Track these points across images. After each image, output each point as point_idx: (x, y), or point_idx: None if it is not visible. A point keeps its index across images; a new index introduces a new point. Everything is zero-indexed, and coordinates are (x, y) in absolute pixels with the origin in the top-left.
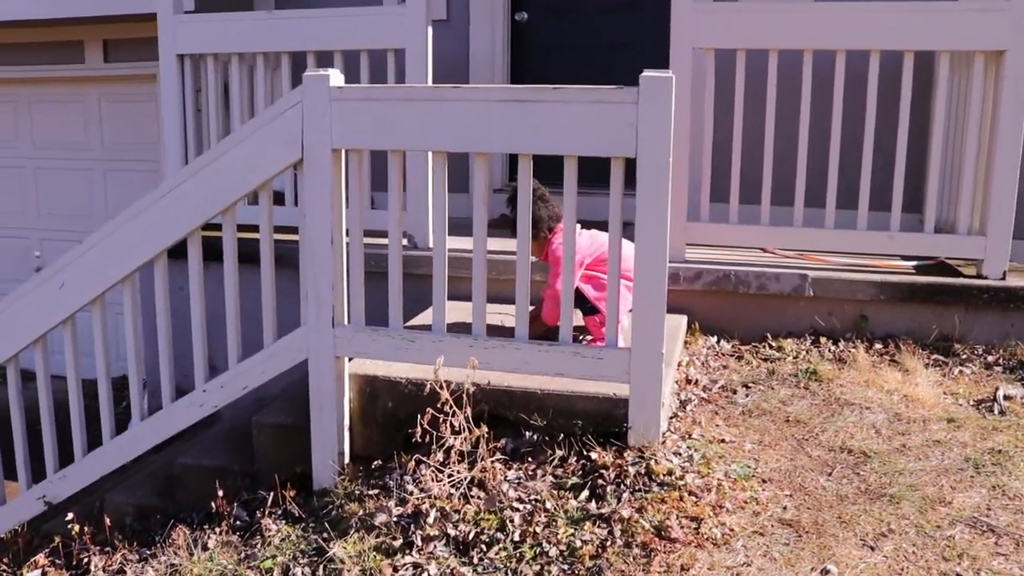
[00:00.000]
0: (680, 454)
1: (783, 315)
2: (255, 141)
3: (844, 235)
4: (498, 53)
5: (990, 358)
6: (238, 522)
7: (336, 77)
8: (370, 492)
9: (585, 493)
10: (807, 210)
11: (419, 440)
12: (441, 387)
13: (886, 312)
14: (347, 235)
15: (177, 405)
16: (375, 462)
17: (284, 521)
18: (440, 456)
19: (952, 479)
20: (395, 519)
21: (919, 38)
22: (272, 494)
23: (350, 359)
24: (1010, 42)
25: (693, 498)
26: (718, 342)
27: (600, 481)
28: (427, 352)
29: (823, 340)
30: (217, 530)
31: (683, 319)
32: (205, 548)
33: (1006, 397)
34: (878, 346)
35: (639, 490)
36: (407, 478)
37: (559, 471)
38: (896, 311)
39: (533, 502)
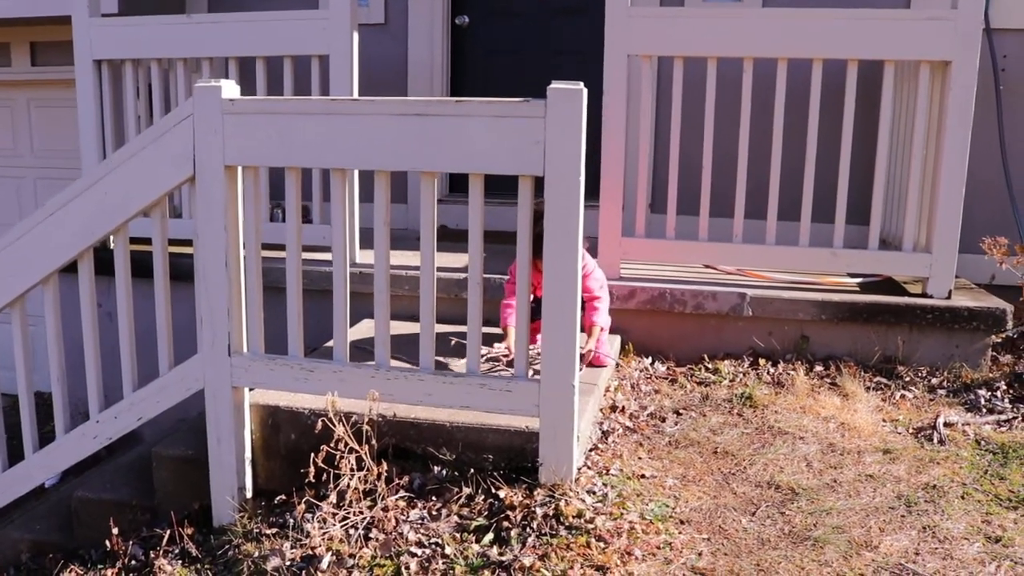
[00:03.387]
0: (595, 492)
1: (721, 335)
2: (145, 157)
3: (785, 252)
4: (437, 58)
5: (934, 380)
6: (134, 561)
7: (229, 88)
8: (269, 531)
9: (489, 536)
10: (751, 223)
11: (312, 480)
12: (340, 420)
13: (828, 332)
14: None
15: (69, 437)
16: (279, 497)
17: (180, 561)
18: (335, 497)
19: (882, 519)
20: (288, 563)
21: (863, 47)
22: (169, 532)
23: (251, 389)
24: (956, 52)
25: (601, 544)
26: (652, 364)
27: (506, 523)
28: (326, 383)
29: (762, 362)
30: (111, 571)
31: (617, 340)
32: None
33: (946, 424)
34: (818, 368)
35: (545, 534)
36: (308, 516)
37: (465, 511)
38: (838, 331)
39: (433, 546)
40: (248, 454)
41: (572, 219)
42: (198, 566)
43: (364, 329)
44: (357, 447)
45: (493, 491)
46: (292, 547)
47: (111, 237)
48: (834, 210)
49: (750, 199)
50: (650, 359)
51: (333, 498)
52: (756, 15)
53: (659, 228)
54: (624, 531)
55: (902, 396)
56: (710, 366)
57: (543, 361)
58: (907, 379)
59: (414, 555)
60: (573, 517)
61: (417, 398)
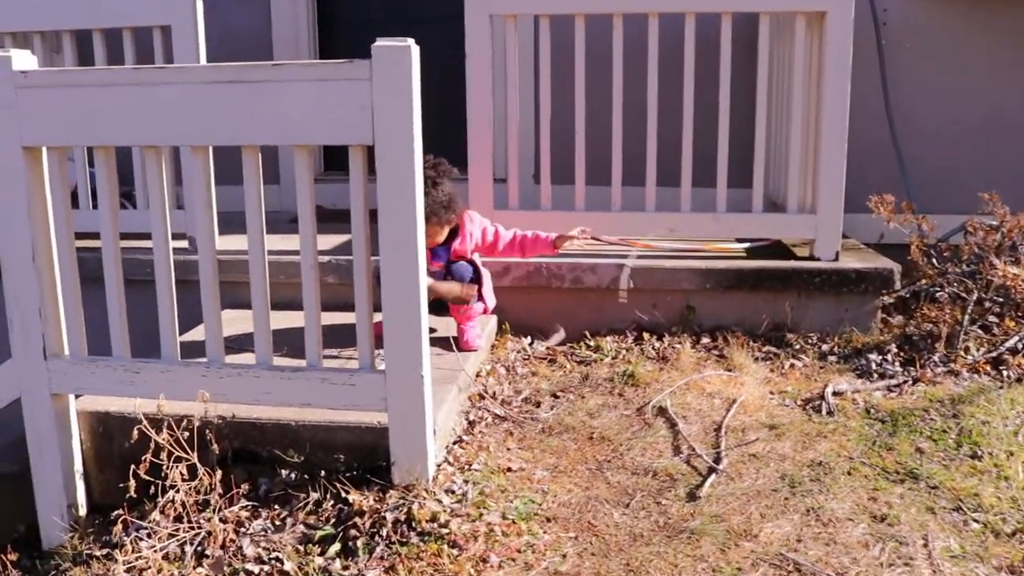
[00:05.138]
0: (454, 492)
1: (603, 310)
2: None
3: (666, 218)
4: (302, 29)
5: (824, 347)
6: None
7: (22, 59)
8: (100, 552)
9: (335, 547)
10: (633, 191)
11: (147, 493)
12: (168, 426)
13: (714, 302)
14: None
15: None
16: (114, 513)
17: None
18: (157, 513)
19: (764, 504)
20: None
21: None
22: None
23: (78, 396)
24: (831, 2)
25: (455, 551)
26: (531, 344)
27: (353, 532)
28: (154, 384)
29: (647, 336)
30: None
31: (494, 320)
32: None
33: (835, 394)
34: (705, 340)
35: (395, 543)
36: (143, 533)
37: (312, 519)
38: (724, 300)
39: (273, 561)
40: (79, 466)
41: (407, 192)
42: None
43: (227, 319)
44: (186, 454)
45: (343, 495)
46: (125, 570)
47: None
48: (716, 173)
49: (629, 165)
50: (529, 339)
51: (156, 515)
52: None
53: (533, 200)
54: (481, 534)
55: (791, 365)
56: (592, 343)
57: (386, 350)
58: (797, 347)
59: (251, 573)
60: (427, 522)
61: (254, 397)
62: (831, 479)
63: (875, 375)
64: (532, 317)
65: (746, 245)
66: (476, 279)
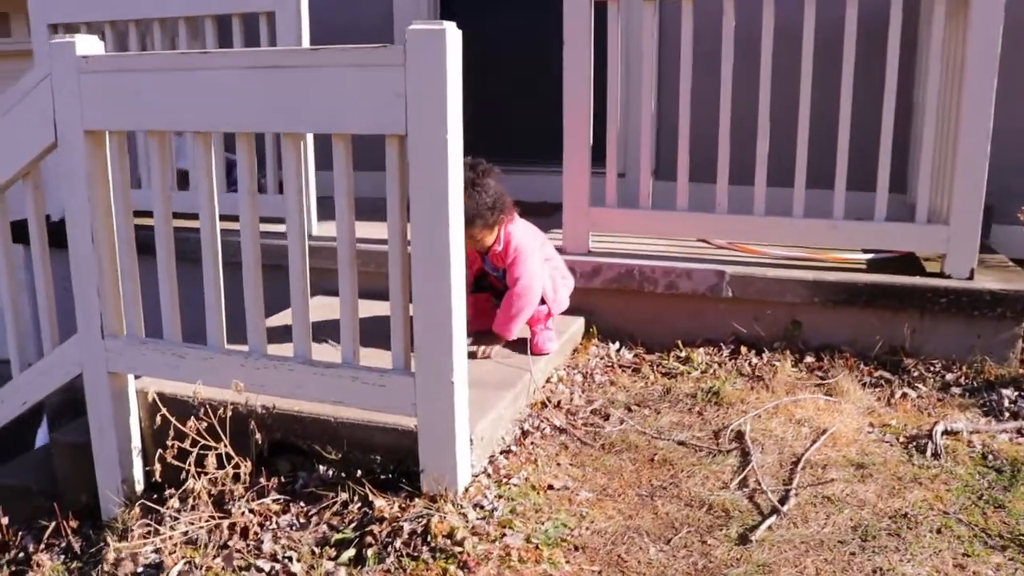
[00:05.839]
0: (483, 507)
1: (701, 319)
2: (6, 125)
3: (775, 224)
4: (423, 11)
5: (949, 376)
6: (22, 554)
7: (86, 44)
8: (143, 531)
9: (350, 552)
10: (737, 189)
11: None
12: (205, 412)
13: (823, 318)
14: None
15: None
16: (168, 492)
17: (63, 557)
18: (200, 495)
19: (823, 557)
20: (140, 569)
21: None
22: (55, 524)
23: (138, 376)
24: None
25: (462, 572)
26: (619, 350)
27: (369, 539)
28: (197, 370)
29: (744, 350)
30: None
31: (580, 322)
32: None
33: (947, 432)
34: (809, 359)
35: (406, 556)
36: (179, 516)
37: (336, 520)
38: (834, 317)
39: (284, 561)
40: (136, 443)
41: (439, 187)
42: (75, 564)
43: (317, 306)
44: (219, 442)
45: (370, 499)
46: (153, 552)
47: None
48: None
49: (737, 162)
50: (617, 344)
51: (176, 501)
52: None
53: (635, 196)
54: (495, 557)
55: (903, 395)
56: (682, 354)
57: (416, 353)
58: (915, 374)
59: (261, 570)
60: (443, 537)
61: (288, 390)
62: (914, 536)
63: (1005, 414)
64: (624, 321)
65: (870, 256)
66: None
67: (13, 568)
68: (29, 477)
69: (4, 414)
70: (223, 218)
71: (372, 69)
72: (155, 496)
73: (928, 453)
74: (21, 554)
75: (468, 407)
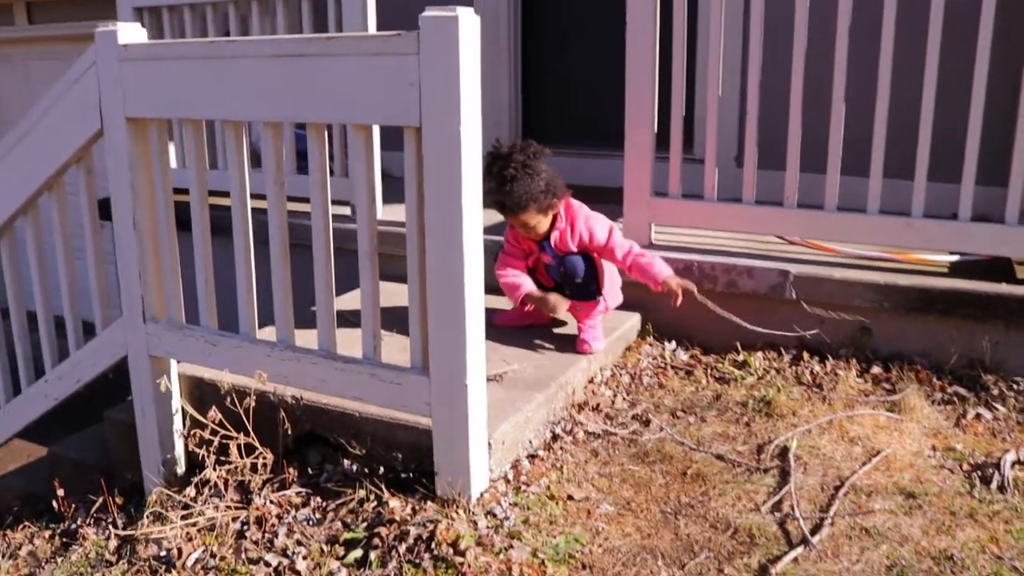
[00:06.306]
0: (495, 515)
1: (763, 320)
2: (60, 111)
3: (847, 221)
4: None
5: None
6: (73, 525)
7: (129, 32)
8: (175, 515)
9: (357, 553)
10: (808, 177)
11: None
12: (232, 402)
13: (895, 325)
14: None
15: (30, 392)
16: (196, 478)
17: (110, 530)
18: (220, 483)
19: None
20: (161, 554)
21: None
22: (101, 500)
23: (179, 360)
24: None
25: None
26: (674, 351)
27: (377, 540)
28: (227, 357)
29: (807, 357)
30: (47, 533)
31: (635, 319)
32: (14, 556)
33: (1019, 463)
34: (876, 370)
35: (408, 562)
36: (211, 502)
37: (351, 517)
38: (907, 325)
39: (292, 557)
40: (178, 426)
41: (452, 180)
42: (115, 540)
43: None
44: (243, 432)
45: (385, 498)
46: (176, 537)
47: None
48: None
49: (807, 152)
50: (672, 344)
51: (194, 489)
52: None
53: (699, 185)
54: (494, 571)
55: (977, 416)
56: (739, 358)
57: (430, 352)
58: (994, 392)
59: (268, 564)
60: (447, 545)
61: (311, 383)
62: None
63: None
64: (681, 321)
65: (956, 258)
66: (593, 276)
67: (64, 540)
68: (88, 452)
69: (63, 389)
70: (291, 199)
71: (387, 58)
72: (192, 479)
73: (993, 485)
74: (73, 526)
75: (487, 409)
